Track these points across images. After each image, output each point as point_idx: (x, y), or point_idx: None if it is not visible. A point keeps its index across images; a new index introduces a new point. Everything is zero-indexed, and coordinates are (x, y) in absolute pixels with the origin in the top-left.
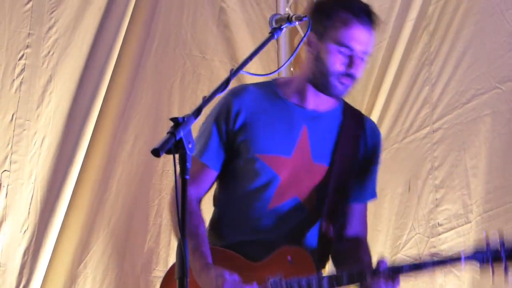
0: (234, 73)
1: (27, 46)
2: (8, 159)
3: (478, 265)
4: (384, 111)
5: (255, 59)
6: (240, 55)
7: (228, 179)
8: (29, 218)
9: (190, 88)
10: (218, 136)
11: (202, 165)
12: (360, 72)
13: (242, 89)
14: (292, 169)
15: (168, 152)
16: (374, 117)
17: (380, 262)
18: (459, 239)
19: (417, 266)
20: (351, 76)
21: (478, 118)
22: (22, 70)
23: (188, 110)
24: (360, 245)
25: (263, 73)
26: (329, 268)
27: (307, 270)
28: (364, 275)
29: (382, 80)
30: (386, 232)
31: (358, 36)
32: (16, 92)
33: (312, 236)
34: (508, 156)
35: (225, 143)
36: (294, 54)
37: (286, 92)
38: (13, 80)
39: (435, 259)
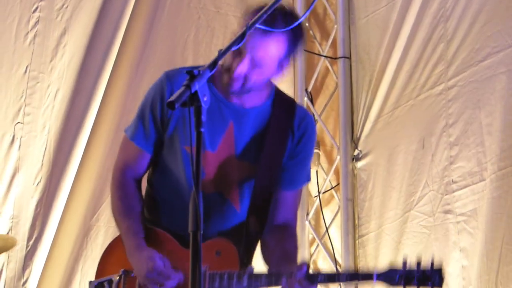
0: (250, 27)
1: None
2: (22, 111)
3: (387, 285)
4: (399, 68)
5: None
6: None
7: (159, 163)
8: (42, 170)
9: (204, 42)
10: (153, 120)
11: (137, 149)
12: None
13: (177, 73)
14: (216, 164)
15: (183, 104)
16: (388, 73)
17: (299, 268)
18: (473, 196)
19: (332, 278)
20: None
21: (494, 76)
22: (36, 22)
23: (202, 64)
24: (287, 233)
25: None
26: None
27: (231, 264)
28: (281, 279)
29: (397, 36)
30: (400, 189)
31: (263, 48)
32: (30, 44)
33: (236, 230)
34: None
35: (159, 127)
36: (310, 10)
37: (217, 84)
38: (27, 32)
39: (350, 273)
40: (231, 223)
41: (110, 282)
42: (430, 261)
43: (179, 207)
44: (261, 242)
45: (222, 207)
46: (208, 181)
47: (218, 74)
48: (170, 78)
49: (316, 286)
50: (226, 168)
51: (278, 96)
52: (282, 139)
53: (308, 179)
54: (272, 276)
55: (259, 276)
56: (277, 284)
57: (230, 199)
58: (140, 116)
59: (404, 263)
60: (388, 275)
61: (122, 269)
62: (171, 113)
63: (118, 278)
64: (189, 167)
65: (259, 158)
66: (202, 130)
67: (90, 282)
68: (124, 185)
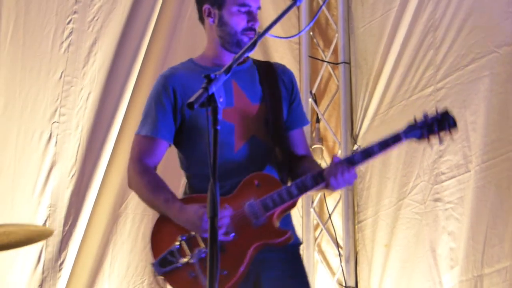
0: (260, 36)
1: (75, 12)
2: (58, 112)
3: (416, 140)
4: (393, 72)
5: (277, 25)
6: (263, 21)
7: (189, 141)
8: (76, 164)
9: None
10: (162, 111)
11: (151, 138)
12: (257, 24)
13: (171, 69)
14: (240, 115)
15: (202, 105)
16: (384, 77)
17: (334, 158)
18: (460, 186)
19: (367, 153)
20: (253, 29)
21: (478, 79)
22: (70, 33)
23: None
24: (309, 159)
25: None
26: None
27: (274, 187)
28: (324, 173)
29: (391, 44)
30: (394, 179)
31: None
32: (64, 53)
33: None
34: (504, 113)
35: (173, 115)
36: (313, 21)
37: (204, 62)
38: (62, 42)
39: (380, 142)
40: (269, 159)
41: (171, 253)
42: (435, 110)
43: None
44: (290, 175)
45: (259, 147)
46: (240, 130)
47: (201, 56)
48: (167, 75)
49: (355, 168)
50: (248, 114)
51: (255, 60)
52: (275, 85)
53: (307, 121)
54: (316, 175)
55: (305, 180)
56: (322, 182)
57: (262, 139)
58: (146, 112)
59: (415, 119)
60: (411, 132)
61: (180, 235)
62: (181, 102)
63: (178, 244)
64: (220, 126)
65: (264, 98)
66: (219, 127)
67: (153, 264)
68: (146, 171)
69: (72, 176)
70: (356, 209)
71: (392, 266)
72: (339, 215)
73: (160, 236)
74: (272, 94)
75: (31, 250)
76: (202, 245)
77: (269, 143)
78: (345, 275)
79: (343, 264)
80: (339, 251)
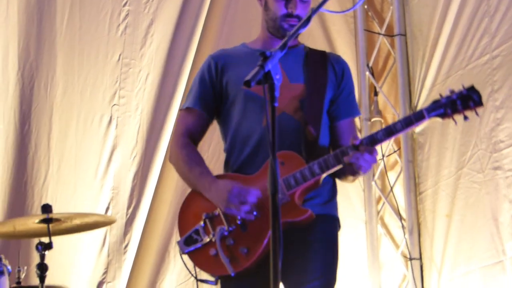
0: (314, 11)
1: None
2: (117, 94)
3: (440, 119)
4: (449, 42)
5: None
6: None
7: (225, 117)
8: (137, 146)
9: None
10: (204, 87)
11: (191, 110)
12: (303, 11)
13: (218, 50)
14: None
15: (258, 82)
16: (440, 47)
17: (356, 138)
18: None
19: (389, 131)
20: (295, 16)
21: None
22: (127, 15)
23: None
24: None
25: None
26: None
27: (298, 165)
28: (346, 151)
29: (446, 14)
30: (452, 149)
31: None
32: (121, 35)
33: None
34: None
35: (213, 91)
36: None
37: (253, 46)
38: (119, 24)
39: (403, 119)
40: (298, 136)
41: (197, 232)
42: (461, 86)
43: (243, 136)
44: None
45: (289, 124)
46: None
47: (253, 40)
48: (214, 55)
49: (376, 146)
50: (284, 91)
51: (309, 47)
52: (322, 68)
53: (357, 112)
54: (337, 154)
55: (327, 159)
56: (344, 161)
57: (295, 116)
58: (190, 89)
59: (440, 95)
60: (435, 109)
61: (204, 213)
62: (220, 74)
63: (203, 223)
64: (252, 99)
65: (306, 78)
66: (276, 104)
67: (178, 242)
68: (186, 145)
69: (134, 158)
70: (417, 180)
71: (454, 235)
72: (401, 187)
73: (187, 214)
74: (314, 77)
75: (96, 234)
76: (225, 223)
77: (300, 120)
78: (409, 247)
79: (406, 236)
80: (402, 223)
